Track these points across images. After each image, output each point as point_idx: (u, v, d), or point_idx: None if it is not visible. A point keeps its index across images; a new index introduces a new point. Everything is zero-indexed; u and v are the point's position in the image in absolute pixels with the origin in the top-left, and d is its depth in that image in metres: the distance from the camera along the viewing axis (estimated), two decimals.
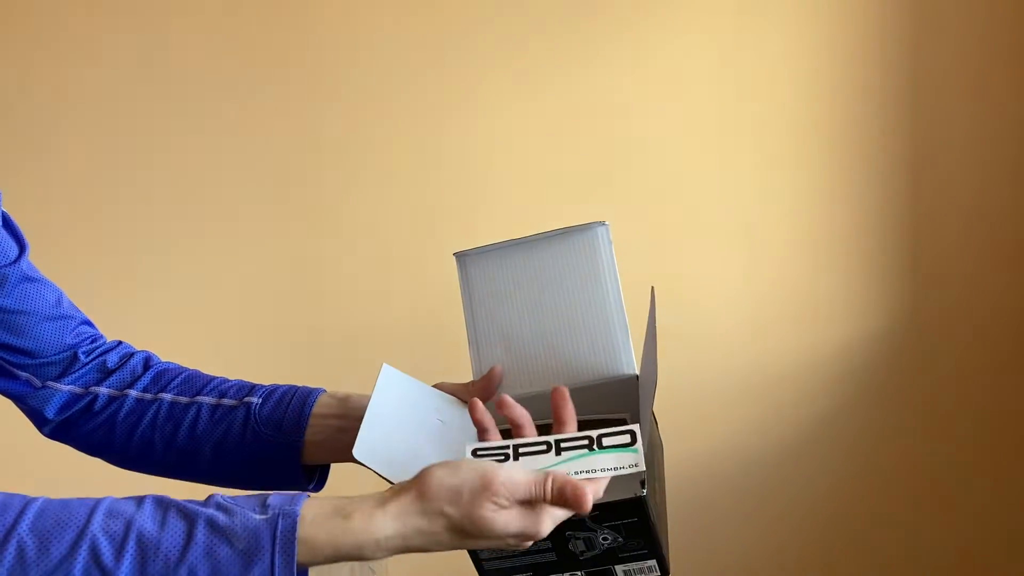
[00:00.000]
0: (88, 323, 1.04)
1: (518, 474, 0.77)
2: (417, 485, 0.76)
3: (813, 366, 2.17)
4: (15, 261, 0.96)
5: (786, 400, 2.17)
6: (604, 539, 0.86)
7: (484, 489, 0.75)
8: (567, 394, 0.88)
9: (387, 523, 0.74)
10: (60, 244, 1.95)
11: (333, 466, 1.02)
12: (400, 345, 2.00)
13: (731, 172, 2.12)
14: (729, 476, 2.17)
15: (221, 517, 0.72)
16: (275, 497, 0.75)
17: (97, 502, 0.73)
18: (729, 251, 2.13)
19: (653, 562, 0.88)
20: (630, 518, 0.84)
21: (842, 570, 2.21)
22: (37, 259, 1.00)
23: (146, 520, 0.71)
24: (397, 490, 0.76)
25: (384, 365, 0.93)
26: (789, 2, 2.09)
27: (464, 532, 0.75)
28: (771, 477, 2.18)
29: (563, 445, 0.80)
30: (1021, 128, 2.14)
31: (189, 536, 0.71)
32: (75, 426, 1.01)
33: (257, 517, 0.72)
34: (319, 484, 1.03)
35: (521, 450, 0.81)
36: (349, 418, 0.96)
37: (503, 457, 0.80)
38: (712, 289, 2.13)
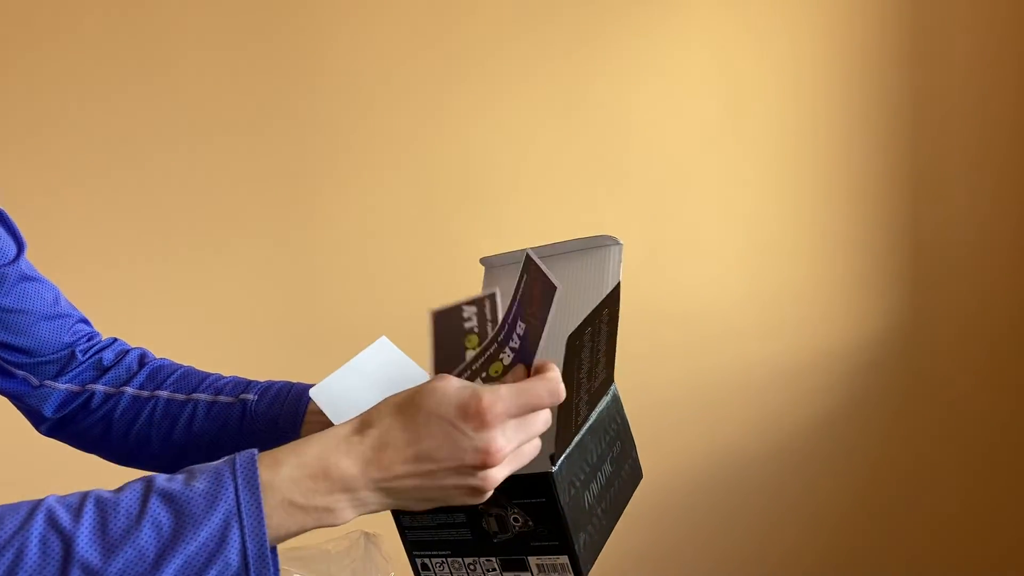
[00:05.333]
0: (84, 321, 1.03)
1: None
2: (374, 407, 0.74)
3: (813, 367, 2.16)
4: (13, 260, 0.95)
5: (787, 401, 2.16)
6: (515, 520, 0.81)
7: (429, 381, 0.73)
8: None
9: (339, 428, 0.72)
10: (57, 242, 1.95)
11: None
12: (402, 346, 1.99)
13: (733, 174, 2.12)
14: (729, 476, 2.17)
15: (181, 474, 0.70)
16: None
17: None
18: (730, 253, 2.13)
19: (565, 559, 0.81)
20: (538, 497, 0.79)
21: (842, 570, 2.21)
22: (34, 257, 1.00)
23: (103, 490, 0.69)
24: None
25: (382, 337, 0.90)
26: (791, 4, 2.09)
27: (409, 408, 0.71)
28: (772, 477, 2.18)
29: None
30: (1022, 129, 2.14)
31: (147, 490, 0.68)
32: (72, 423, 1.00)
33: (215, 463, 0.70)
34: None
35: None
36: None
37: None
38: (713, 290, 2.13)
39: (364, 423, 0.72)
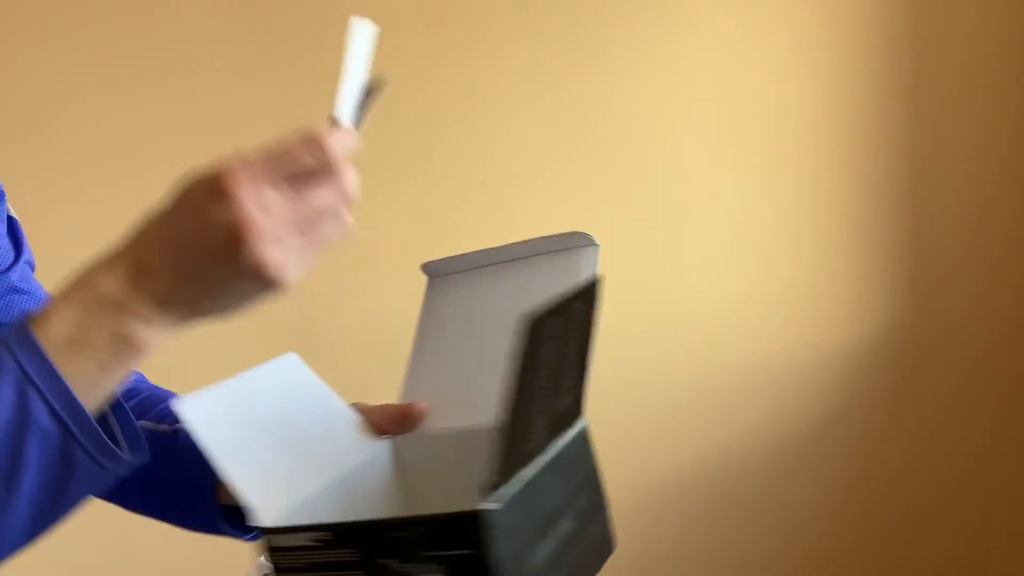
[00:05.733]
0: None
1: None
2: None
3: (813, 367, 2.16)
4: (7, 270, 0.88)
5: (786, 401, 2.16)
6: None
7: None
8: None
9: (106, 258, 0.61)
10: (58, 244, 1.94)
11: None
12: (400, 348, 1.99)
13: (733, 174, 2.12)
14: (729, 477, 2.16)
15: None
16: None
17: None
18: (730, 253, 2.13)
19: None
20: (463, 548, 0.55)
21: (842, 571, 2.21)
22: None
23: None
24: None
25: (291, 353, 0.79)
26: (791, 4, 2.09)
27: (164, 216, 0.61)
28: (772, 478, 2.17)
29: None
30: (1021, 129, 2.13)
31: None
32: None
33: None
34: (254, 533, 0.83)
35: None
36: None
37: None
38: (712, 290, 2.13)
39: (127, 240, 0.62)
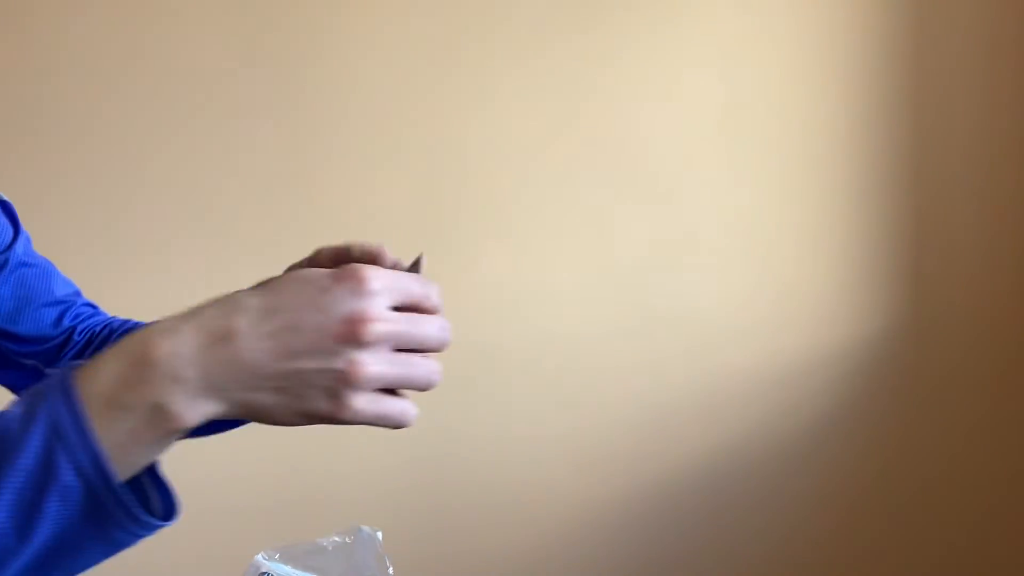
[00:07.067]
0: (90, 304, 1.00)
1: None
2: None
3: (814, 367, 2.16)
4: (8, 247, 0.93)
5: (787, 401, 2.16)
6: None
7: (291, 272, 0.61)
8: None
9: (174, 320, 0.58)
10: (54, 240, 1.94)
11: None
12: None
13: (732, 173, 2.12)
14: (729, 477, 2.16)
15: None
16: None
17: None
18: (730, 253, 2.13)
19: None
20: None
21: (842, 570, 2.21)
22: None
23: None
24: None
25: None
26: (792, 4, 2.09)
27: (266, 287, 0.58)
28: (771, 478, 2.17)
29: None
30: (1022, 128, 2.13)
31: None
32: None
33: (35, 386, 0.59)
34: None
35: None
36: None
37: None
38: (713, 290, 2.13)
39: (202, 304, 0.58)
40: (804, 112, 2.11)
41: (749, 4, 2.09)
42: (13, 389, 0.96)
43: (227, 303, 0.58)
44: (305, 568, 0.85)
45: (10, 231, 0.94)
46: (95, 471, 0.55)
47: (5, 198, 0.95)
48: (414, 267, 0.68)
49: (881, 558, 2.20)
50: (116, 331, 0.97)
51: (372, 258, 0.70)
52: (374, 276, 0.58)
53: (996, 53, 2.12)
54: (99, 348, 0.95)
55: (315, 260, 0.76)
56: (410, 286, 0.60)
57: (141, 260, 2.00)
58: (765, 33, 2.09)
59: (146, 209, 2.00)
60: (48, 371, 0.94)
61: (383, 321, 0.57)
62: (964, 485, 2.20)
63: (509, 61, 2.05)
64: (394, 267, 0.69)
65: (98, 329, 0.97)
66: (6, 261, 0.92)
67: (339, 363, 0.56)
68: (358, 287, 0.57)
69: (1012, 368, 2.18)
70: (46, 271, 0.96)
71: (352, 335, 0.56)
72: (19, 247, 0.94)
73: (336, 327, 0.56)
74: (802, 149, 2.12)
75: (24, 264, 0.93)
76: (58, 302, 0.95)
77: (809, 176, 2.13)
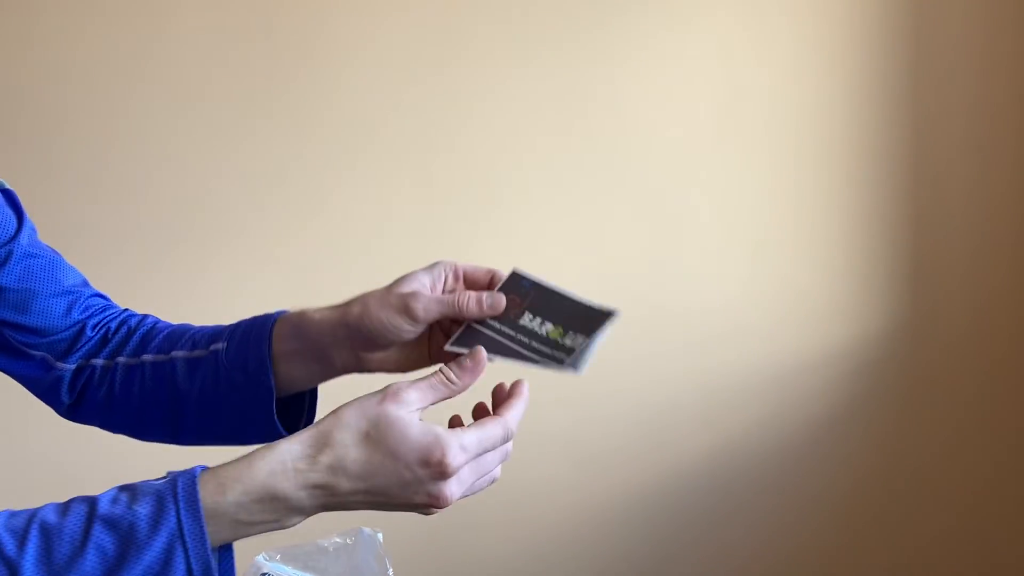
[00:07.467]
0: (99, 295, 0.99)
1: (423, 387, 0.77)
2: (324, 416, 0.75)
3: (813, 367, 2.16)
4: (13, 237, 0.92)
5: (787, 401, 2.16)
6: None
7: (387, 394, 0.74)
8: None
9: (293, 447, 0.72)
10: (61, 240, 1.94)
11: None
12: None
13: (731, 173, 2.12)
14: (730, 477, 2.16)
15: (123, 495, 0.70)
16: (174, 470, 0.73)
17: None
18: (730, 253, 2.13)
19: None
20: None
21: (842, 570, 2.21)
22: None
23: (48, 512, 0.70)
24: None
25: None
26: (792, 4, 2.09)
27: (370, 439, 0.72)
28: (772, 478, 2.17)
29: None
30: (1021, 128, 2.13)
31: (91, 515, 0.68)
32: (84, 402, 0.95)
33: (157, 482, 0.70)
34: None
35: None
36: (305, 341, 0.89)
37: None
38: (712, 290, 2.13)
39: (320, 442, 0.72)
40: (804, 112, 2.11)
41: (749, 4, 2.08)
42: (21, 379, 0.96)
43: (333, 465, 0.71)
44: (306, 569, 0.86)
45: (14, 221, 0.93)
46: (203, 572, 0.69)
47: (8, 186, 0.94)
48: (510, 282, 0.84)
49: (879, 556, 2.20)
50: (134, 330, 0.97)
51: (482, 281, 0.89)
52: (453, 465, 0.72)
53: (995, 53, 2.12)
54: (117, 347, 0.95)
55: (432, 270, 0.90)
56: (484, 448, 0.75)
57: (140, 256, 2.01)
58: (765, 33, 2.09)
59: (146, 208, 2.00)
60: (58, 364, 0.94)
61: (457, 493, 0.74)
62: (963, 484, 2.20)
63: (509, 61, 2.05)
64: (493, 280, 0.88)
65: (114, 326, 0.97)
66: (10, 253, 0.91)
67: (420, 511, 0.75)
68: (442, 474, 0.72)
69: (1011, 368, 2.19)
70: (52, 261, 0.95)
71: (431, 506, 0.74)
72: (24, 237, 0.93)
73: (420, 500, 0.73)
74: (802, 149, 2.12)
75: (29, 255, 0.93)
76: (66, 292, 0.95)
77: (809, 176, 2.13)
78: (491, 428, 0.76)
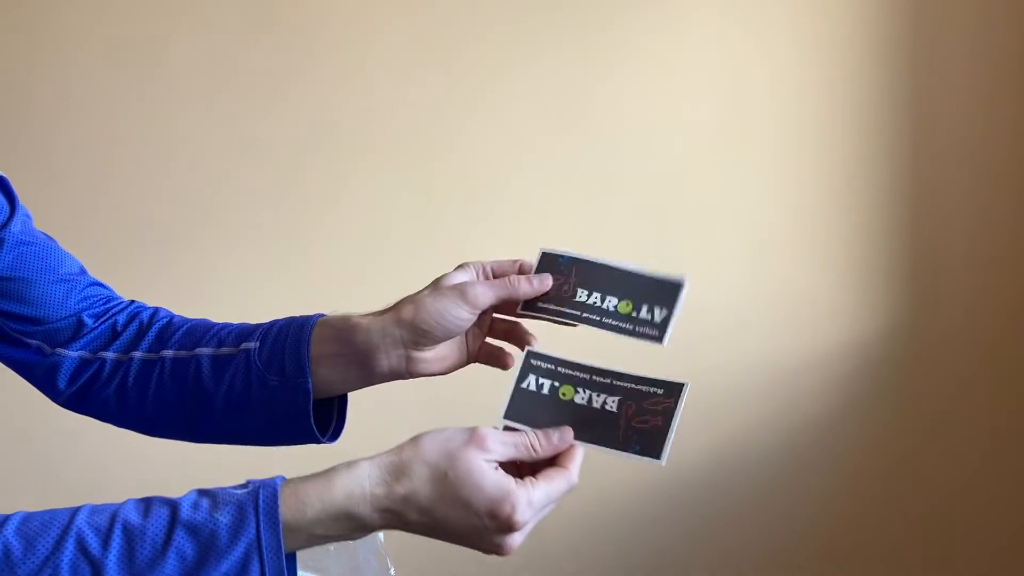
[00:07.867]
0: (99, 284, 0.98)
1: (506, 434, 0.79)
2: (406, 442, 0.77)
3: (813, 367, 2.16)
4: (5, 224, 0.91)
5: (787, 401, 2.16)
6: None
7: (472, 438, 0.76)
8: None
9: (372, 471, 0.75)
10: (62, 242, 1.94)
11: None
12: None
13: (732, 173, 2.12)
14: (730, 477, 2.16)
15: (204, 500, 0.72)
16: (254, 479, 0.75)
17: (79, 507, 0.72)
18: (730, 253, 2.13)
19: None
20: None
21: (843, 570, 2.21)
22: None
23: (130, 512, 0.71)
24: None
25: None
26: (791, 4, 2.09)
27: (447, 480, 0.74)
28: (771, 477, 2.17)
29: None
30: (1021, 129, 2.13)
31: (173, 519, 0.71)
32: (89, 394, 0.94)
33: (239, 492, 0.73)
34: (334, 436, 0.98)
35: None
36: (349, 345, 0.89)
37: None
38: (712, 289, 2.13)
39: (399, 471, 0.75)
40: (804, 113, 2.11)
41: (749, 4, 2.09)
42: (15, 366, 0.95)
43: (407, 497, 0.74)
44: (307, 567, 0.87)
45: (6, 208, 0.92)
46: None
47: (1, 173, 0.92)
48: (544, 263, 0.85)
49: (879, 556, 2.20)
50: (148, 324, 0.96)
51: (511, 271, 0.91)
52: (523, 519, 0.75)
53: (996, 54, 2.12)
54: (131, 341, 0.95)
55: (465, 269, 0.91)
56: (548, 502, 0.78)
57: (141, 256, 2.01)
58: (765, 33, 2.09)
59: (146, 208, 2.01)
60: (56, 351, 0.93)
61: (519, 543, 0.77)
62: (964, 484, 2.20)
63: (509, 61, 2.05)
64: (522, 268, 0.90)
65: (123, 319, 0.96)
66: (2, 240, 0.90)
67: (483, 554, 0.77)
68: (509, 528, 0.75)
69: (1011, 367, 2.19)
70: (47, 248, 0.94)
71: (494, 553, 0.76)
72: (16, 225, 0.92)
73: (484, 547, 0.76)
74: (802, 149, 2.12)
75: (23, 242, 0.92)
76: (61, 280, 0.94)
77: (808, 176, 2.13)
78: (558, 483, 0.79)
